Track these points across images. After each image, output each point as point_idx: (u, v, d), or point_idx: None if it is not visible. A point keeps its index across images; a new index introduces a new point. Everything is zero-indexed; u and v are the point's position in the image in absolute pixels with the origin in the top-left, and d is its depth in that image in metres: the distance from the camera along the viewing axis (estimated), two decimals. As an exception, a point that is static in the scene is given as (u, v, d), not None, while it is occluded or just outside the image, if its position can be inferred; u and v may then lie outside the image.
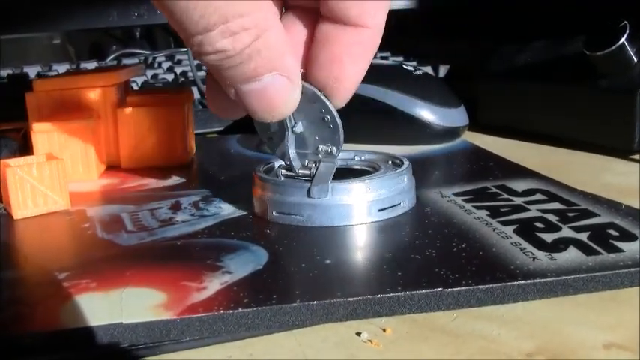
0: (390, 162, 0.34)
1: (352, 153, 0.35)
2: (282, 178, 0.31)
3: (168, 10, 0.23)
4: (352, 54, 0.26)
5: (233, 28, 0.23)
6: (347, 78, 0.26)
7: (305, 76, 0.27)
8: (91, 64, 0.67)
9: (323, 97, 0.28)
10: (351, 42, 0.26)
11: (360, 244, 0.29)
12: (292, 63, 0.25)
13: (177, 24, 0.23)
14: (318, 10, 0.26)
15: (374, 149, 0.43)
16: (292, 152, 0.30)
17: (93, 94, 0.41)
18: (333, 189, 0.29)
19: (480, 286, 0.23)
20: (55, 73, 0.62)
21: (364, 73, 0.27)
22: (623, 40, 0.40)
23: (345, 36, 0.25)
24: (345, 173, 0.32)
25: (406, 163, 0.32)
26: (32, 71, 0.64)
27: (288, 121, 0.29)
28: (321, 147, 0.30)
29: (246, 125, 0.50)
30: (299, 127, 0.30)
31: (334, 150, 0.30)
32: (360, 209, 0.30)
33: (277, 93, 0.25)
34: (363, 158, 0.35)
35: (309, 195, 0.29)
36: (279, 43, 0.24)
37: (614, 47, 0.41)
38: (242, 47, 0.23)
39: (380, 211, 0.30)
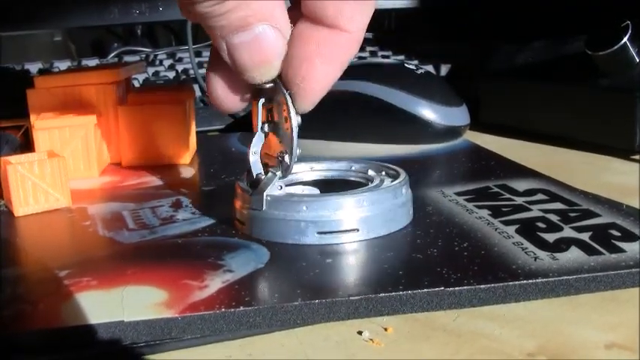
0: (384, 173, 0.31)
1: (350, 163, 0.33)
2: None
3: None
4: (324, 55, 0.25)
5: None
6: (314, 79, 0.25)
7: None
8: (92, 62, 0.67)
9: (286, 98, 0.26)
10: (324, 42, 0.25)
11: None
12: (283, 15, 0.24)
13: None
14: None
15: (375, 149, 0.43)
16: (252, 152, 0.29)
17: (94, 92, 0.41)
18: (277, 202, 0.28)
19: (482, 286, 0.23)
20: (56, 70, 0.62)
21: (335, 78, 0.25)
22: (625, 39, 0.40)
23: (318, 36, 0.25)
24: (341, 185, 0.31)
25: (381, 179, 0.30)
26: (33, 68, 0.64)
27: (259, 118, 0.28)
28: (280, 153, 0.28)
29: (248, 123, 0.51)
30: (267, 127, 0.28)
31: (286, 158, 0.28)
32: (296, 227, 0.27)
33: (268, 45, 0.24)
34: (353, 168, 0.32)
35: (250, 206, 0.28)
36: None
37: (616, 47, 0.41)
38: None
39: (320, 233, 0.27)
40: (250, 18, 0.24)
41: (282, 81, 0.26)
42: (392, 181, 0.30)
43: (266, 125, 0.28)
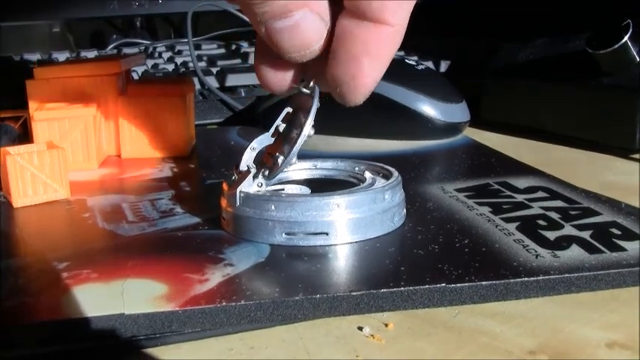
0: (380, 175, 0.30)
1: (353, 164, 0.32)
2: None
3: None
4: (371, 52, 0.25)
5: None
6: (365, 76, 0.25)
7: (324, 72, 0.26)
8: (91, 53, 0.66)
9: (314, 108, 0.27)
10: (370, 39, 0.25)
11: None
12: (323, 1, 0.25)
13: None
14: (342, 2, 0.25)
15: (374, 145, 0.43)
16: (251, 147, 0.29)
17: (94, 83, 0.41)
18: (250, 199, 0.27)
19: (483, 283, 0.23)
20: (56, 61, 0.62)
21: (383, 72, 0.26)
22: (626, 38, 0.40)
23: (364, 32, 0.25)
24: (329, 184, 0.31)
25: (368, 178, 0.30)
26: (32, 59, 0.64)
27: (279, 118, 0.28)
28: (277, 154, 0.28)
29: (247, 117, 0.50)
30: (281, 128, 0.28)
31: (279, 160, 0.27)
32: (264, 226, 0.27)
33: (307, 30, 0.24)
34: (357, 169, 0.32)
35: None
36: None
37: (617, 46, 0.40)
38: None
39: (288, 234, 0.27)
40: (291, 5, 0.24)
41: (331, 78, 0.26)
42: (381, 184, 0.29)
43: (281, 127, 0.28)
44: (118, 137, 0.42)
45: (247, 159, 0.29)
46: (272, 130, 0.29)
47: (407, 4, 0.25)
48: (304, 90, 0.27)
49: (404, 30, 0.25)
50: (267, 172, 0.28)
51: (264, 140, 0.29)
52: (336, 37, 0.25)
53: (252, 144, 0.28)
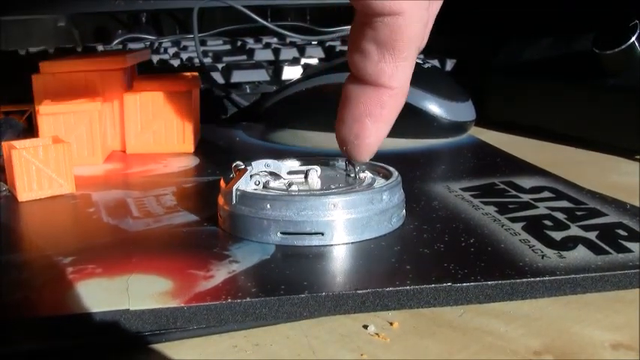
0: (381, 174, 0.30)
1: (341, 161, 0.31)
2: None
3: None
4: (372, 114, 0.26)
5: None
6: (367, 136, 0.27)
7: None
8: (97, 48, 0.66)
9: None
10: (371, 102, 0.26)
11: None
12: None
13: None
14: None
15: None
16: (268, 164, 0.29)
17: (100, 78, 0.41)
18: (245, 197, 0.27)
19: (489, 282, 0.23)
20: (61, 55, 0.62)
21: (386, 132, 0.27)
22: (633, 39, 0.40)
23: (366, 96, 0.26)
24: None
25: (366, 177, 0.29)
26: (38, 53, 0.64)
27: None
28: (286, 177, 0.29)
29: (252, 113, 0.50)
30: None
31: (284, 168, 0.29)
32: (259, 225, 0.27)
33: None
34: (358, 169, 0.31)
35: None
36: None
37: (624, 46, 0.40)
38: None
39: (283, 234, 0.26)
40: None
41: (338, 138, 0.27)
42: (381, 184, 0.28)
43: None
44: (124, 132, 0.42)
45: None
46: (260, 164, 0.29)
47: (405, 68, 0.25)
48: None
49: (406, 90, 0.26)
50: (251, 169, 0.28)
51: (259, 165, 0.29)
52: (342, 101, 0.27)
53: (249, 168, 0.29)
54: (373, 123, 0.26)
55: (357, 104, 0.26)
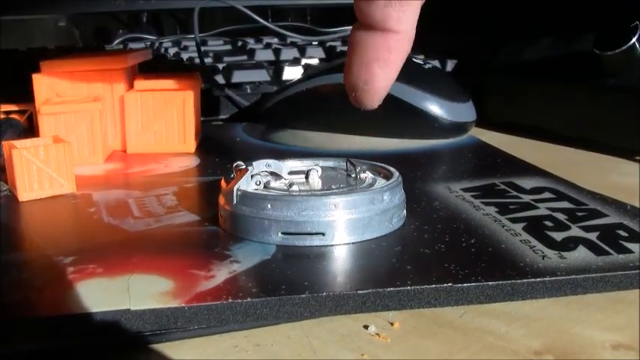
0: (381, 175, 0.30)
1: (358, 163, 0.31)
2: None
3: None
4: (380, 59, 0.26)
5: None
6: (376, 81, 0.27)
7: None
8: (97, 48, 0.66)
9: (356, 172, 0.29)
10: (379, 47, 0.26)
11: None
12: None
13: None
14: None
15: (380, 143, 0.43)
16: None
17: (101, 78, 0.41)
18: (246, 197, 0.27)
19: (490, 283, 0.23)
20: (61, 55, 0.62)
21: (394, 77, 0.27)
22: (634, 40, 0.40)
23: (373, 41, 0.26)
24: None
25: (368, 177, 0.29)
26: (38, 53, 0.64)
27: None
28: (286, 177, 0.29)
29: (252, 113, 0.50)
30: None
31: (285, 169, 0.29)
32: (260, 225, 0.27)
33: None
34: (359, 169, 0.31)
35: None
36: None
37: (624, 47, 0.40)
38: None
39: (284, 234, 0.26)
40: None
41: (347, 85, 0.27)
42: (381, 184, 0.28)
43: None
44: (124, 132, 0.42)
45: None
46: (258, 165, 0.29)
47: (411, 11, 0.25)
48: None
49: (412, 34, 0.26)
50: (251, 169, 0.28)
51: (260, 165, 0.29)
52: (349, 48, 0.27)
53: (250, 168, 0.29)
54: (381, 68, 0.26)
55: (365, 50, 0.26)
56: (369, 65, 0.26)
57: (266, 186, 0.28)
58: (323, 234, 0.26)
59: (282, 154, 0.41)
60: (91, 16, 0.87)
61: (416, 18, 0.26)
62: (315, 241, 0.26)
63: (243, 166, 0.28)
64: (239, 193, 0.27)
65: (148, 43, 0.73)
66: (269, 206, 0.26)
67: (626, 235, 0.27)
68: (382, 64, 0.26)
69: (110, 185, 0.35)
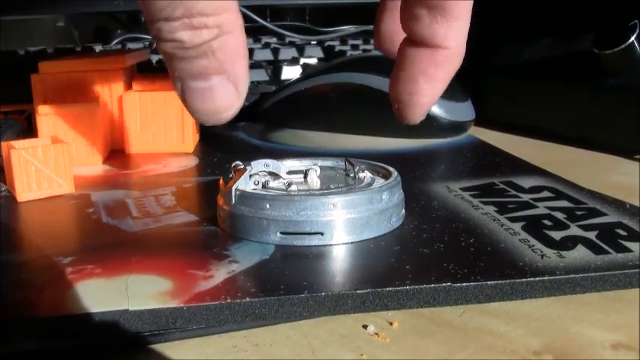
0: (380, 174, 0.30)
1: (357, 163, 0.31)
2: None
3: None
4: (427, 73, 0.26)
5: (195, 23, 0.23)
6: (422, 95, 0.26)
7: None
8: (96, 48, 0.66)
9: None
10: (426, 62, 0.26)
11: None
12: (243, 72, 0.25)
13: (143, 5, 0.23)
14: None
15: (379, 142, 0.43)
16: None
17: (99, 78, 0.41)
18: (245, 197, 0.27)
19: (489, 282, 0.23)
20: (60, 55, 0.62)
21: (440, 92, 0.27)
22: (633, 38, 0.40)
23: (420, 55, 0.26)
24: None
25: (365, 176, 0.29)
26: (37, 53, 0.64)
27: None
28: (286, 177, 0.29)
29: (251, 113, 0.50)
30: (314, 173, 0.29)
31: (283, 168, 0.29)
32: (259, 225, 0.27)
33: (221, 98, 0.25)
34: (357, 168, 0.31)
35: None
36: (235, 48, 0.25)
37: (623, 46, 0.40)
38: (199, 42, 0.24)
39: (282, 234, 0.26)
40: (211, 69, 0.24)
41: (392, 96, 0.27)
42: (380, 184, 0.28)
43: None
44: (123, 132, 0.42)
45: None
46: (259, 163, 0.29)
47: (459, 27, 0.25)
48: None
49: (462, 50, 0.26)
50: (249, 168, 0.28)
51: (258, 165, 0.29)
52: (397, 62, 0.27)
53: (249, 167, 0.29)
54: (427, 82, 0.26)
55: (412, 63, 0.26)
56: (415, 79, 0.26)
57: (264, 186, 0.28)
58: (322, 234, 0.26)
59: (280, 153, 0.41)
60: (89, 16, 0.87)
61: (465, 33, 0.26)
62: (314, 240, 0.26)
63: (242, 166, 0.28)
64: (237, 193, 0.27)
65: (147, 43, 0.73)
66: (267, 206, 0.26)
67: (625, 234, 0.27)
68: (428, 79, 0.26)
69: (109, 185, 0.35)
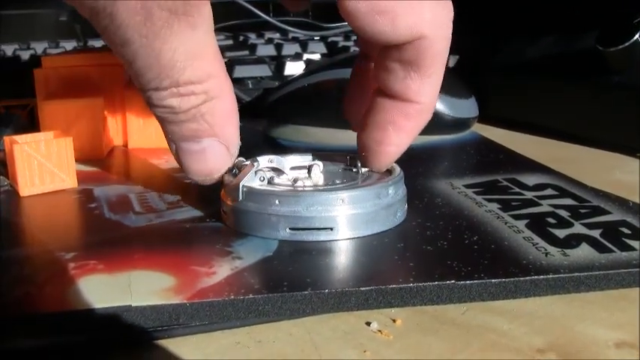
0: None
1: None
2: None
3: (127, 62, 0.24)
4: (396, 123, 0.27)
5: (182, 91, 0.24)
6: (389, 144, 0.27)
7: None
8: (98, 43, 0.66)
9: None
10: (397, 113, 0.26)
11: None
12: (233, 133, 0.27)
13: (133, 74, 0.24)
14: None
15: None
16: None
17: (102, 73, 0.41)
18: (252, 194, 0.27)
19: (493, 280, 0.23)
20: (62, 50, 0.62)
21: (407, 144, 0.27)
22: (637, 36, 0.40)
23: (391, 105, 0.26)
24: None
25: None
26: (39, 48, 0.64)
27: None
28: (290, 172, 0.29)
29: (254, 109, 0.50)
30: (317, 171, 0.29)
31: (286, 164, 0.29)
32: (268, 221, 0.27)
33: (213, 159, 0.26)
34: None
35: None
36: (224, 111, 0.26)
37: (627, 43, 0.40)
38: (188, 107, 0.25)
39: (292, 229, 0.26)
40: (201, 132, 0.26)
41: (359, 143, 0.28)
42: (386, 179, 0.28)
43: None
44: (125, 127, 0.42)
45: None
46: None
47: (432, 84, 0.26)
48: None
49: (432, 105, 0.27)
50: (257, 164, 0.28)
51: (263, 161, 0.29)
52: (367, 109, 0.27)
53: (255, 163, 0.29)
54: (396, 132, 0.27)
55: (382, 112, 0.27)
56: (385, 127, 0.27)
57: (270, 182, 0.28)
58: (331, 229, 0.26)
59: (284, 149, 0.41)
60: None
61: (437, 90, 0.26)
62: (323, 235, 0.26)
63: (245, 162, 0.28)
64: (245, 189, 0.27)
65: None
66: (277, 202, 0.26)
67: (629, 232, 0.27)
68: (397, 129, 0.27)
69: (111, 180, 0.35)
